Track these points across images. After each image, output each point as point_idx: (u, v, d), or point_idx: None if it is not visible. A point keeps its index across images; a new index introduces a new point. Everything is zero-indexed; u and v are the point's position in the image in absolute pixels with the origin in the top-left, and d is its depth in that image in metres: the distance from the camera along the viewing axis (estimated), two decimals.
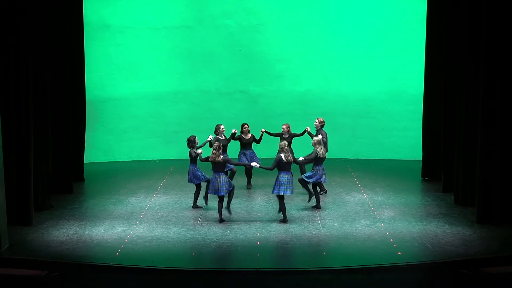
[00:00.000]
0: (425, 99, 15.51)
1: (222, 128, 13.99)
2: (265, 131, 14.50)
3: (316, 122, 14.18)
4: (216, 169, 12.22)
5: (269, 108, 17.68)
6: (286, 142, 12.30)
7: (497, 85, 11.86)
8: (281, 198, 12.20)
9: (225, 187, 12.17)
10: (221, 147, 12.34)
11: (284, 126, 14.34)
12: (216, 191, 12.18)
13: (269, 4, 17.62)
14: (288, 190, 12.12)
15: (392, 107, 17.69)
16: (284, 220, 12.16)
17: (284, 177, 12.10)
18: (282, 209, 12.20)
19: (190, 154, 13.01)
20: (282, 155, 12.10)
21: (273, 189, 12.21)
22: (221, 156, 12.20)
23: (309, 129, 14.33)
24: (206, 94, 17.90)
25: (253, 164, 12.54)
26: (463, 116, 12.85)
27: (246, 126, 14.51)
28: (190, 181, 13.20)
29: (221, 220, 12.16)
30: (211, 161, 12.23)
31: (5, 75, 11.72)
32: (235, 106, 17.67)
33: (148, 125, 17.89)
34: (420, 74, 16.00)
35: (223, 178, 12.21)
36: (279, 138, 14.18)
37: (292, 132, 14.36)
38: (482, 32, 11.96)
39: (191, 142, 13.00)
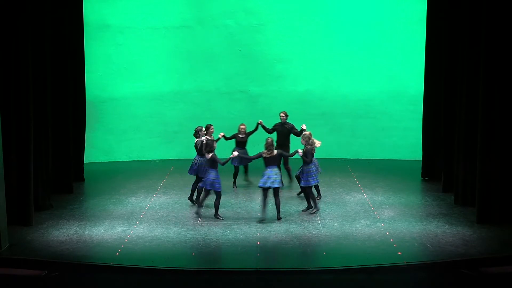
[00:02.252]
0: (425, 99, 15.51)
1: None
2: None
3: (282, 114, 14.53)
4: (269, 164, 12.28)
5: (269, 108, 17.65)
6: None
7: (497, 85, 11.86)
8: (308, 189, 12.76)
9: (279, 179, 12.30)
10: (274, 143, 12.49)
11: (241, 126, 14.50)
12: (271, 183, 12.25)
13: (269, 4, 17.60)
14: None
15: (392, 107, 17.68)
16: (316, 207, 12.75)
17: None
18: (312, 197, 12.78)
19: (212, 159, 12.39)
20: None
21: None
22: (275, 151, 12.32)
23: (261, 122, 14.55)
24: (206, 94, 17.89)
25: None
26: (463, 116, 12.85)
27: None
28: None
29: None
30: (265, 157, 12.30)
31: (5, 75, 11.72)
32: (235, 106, 17.66)
33: (148, 125, 17.89)
34: (420, 74, 16.00)
35: (276, 171, 12.31)
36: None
37: (247, 131, 14.56)
38: (482, 32, 11.96)
39: (209, 146, 12.51)
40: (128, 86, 17.67)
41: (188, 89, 17.87)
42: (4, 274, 9.87)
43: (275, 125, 14.65)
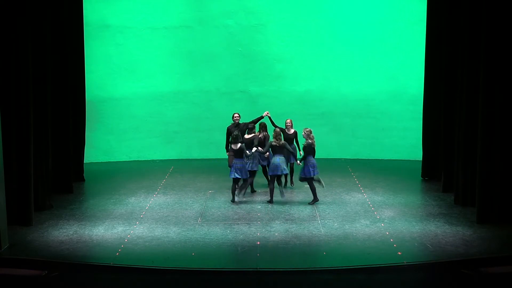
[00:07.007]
0: (425, 99, 15.51)
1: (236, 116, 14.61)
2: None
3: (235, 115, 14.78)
4: (277, 152, 13.42)
5: (269, 108, 17.50)
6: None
7: (497, 85, 11.86)
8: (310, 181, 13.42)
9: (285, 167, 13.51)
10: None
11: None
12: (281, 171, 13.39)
13: (269, 4, 17.61)
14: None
15: (392, 107, 17.69)
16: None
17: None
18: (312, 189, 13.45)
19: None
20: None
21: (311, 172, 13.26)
22: (282, 141, 13.44)
23: (268, 113, 14.74)
24: (206, 94, 17.90)
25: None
26: (463, 116, 12.85)
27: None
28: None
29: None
30: (273, 145, 13.41)
31: (5, 75, 11.72)
32: (235, 106, 17.62)
33: (148, 125, 17.89)
34: (420, 74, 16.00)
35: (283, 159, 13.43)
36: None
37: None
38: (482, 32, 11.97)
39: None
40: (128, 86, 17.68)
41: (188, 89, 17.88)
42: (4, 274, 9.87)
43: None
